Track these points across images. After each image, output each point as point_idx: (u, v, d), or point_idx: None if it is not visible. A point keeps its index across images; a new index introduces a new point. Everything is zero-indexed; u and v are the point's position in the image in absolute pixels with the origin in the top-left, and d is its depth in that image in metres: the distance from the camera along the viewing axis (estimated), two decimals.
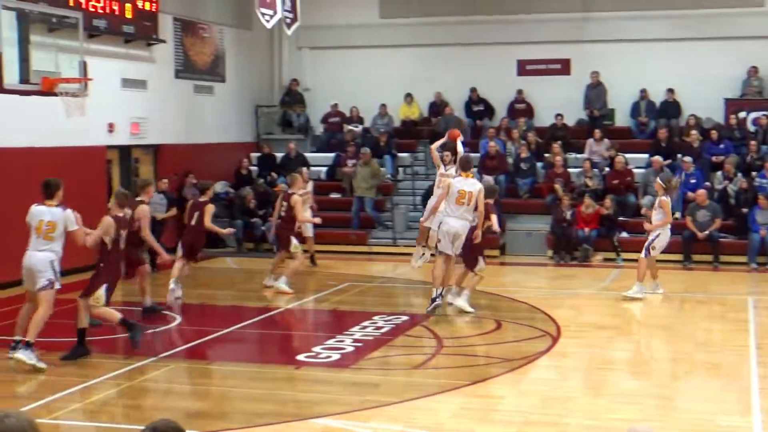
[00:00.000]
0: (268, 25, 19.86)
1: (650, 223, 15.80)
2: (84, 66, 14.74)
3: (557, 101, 24.25)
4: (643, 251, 15.56)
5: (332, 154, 24.60)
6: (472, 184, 14.00)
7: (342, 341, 12.58)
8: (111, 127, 19.80)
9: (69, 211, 11.16)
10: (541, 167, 22.83)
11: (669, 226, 15.71)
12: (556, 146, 22.45)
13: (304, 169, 17.78)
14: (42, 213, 11.18)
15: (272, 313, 14.83)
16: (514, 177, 22.66)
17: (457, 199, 13.86)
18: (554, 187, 21.53)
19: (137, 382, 10.77)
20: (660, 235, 15.52)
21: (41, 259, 11.10)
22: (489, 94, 25.04)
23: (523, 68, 25.12)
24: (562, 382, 10.90)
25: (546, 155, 22.84)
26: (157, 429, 3.82)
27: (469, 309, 14.30)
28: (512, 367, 11.20)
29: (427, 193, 21.97)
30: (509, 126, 24.09)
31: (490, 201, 14.64)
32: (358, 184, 22.67)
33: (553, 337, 12.85)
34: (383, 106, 25.14)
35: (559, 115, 23.84)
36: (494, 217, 14.59)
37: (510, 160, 23.03)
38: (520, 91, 24.80)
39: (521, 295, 16.00)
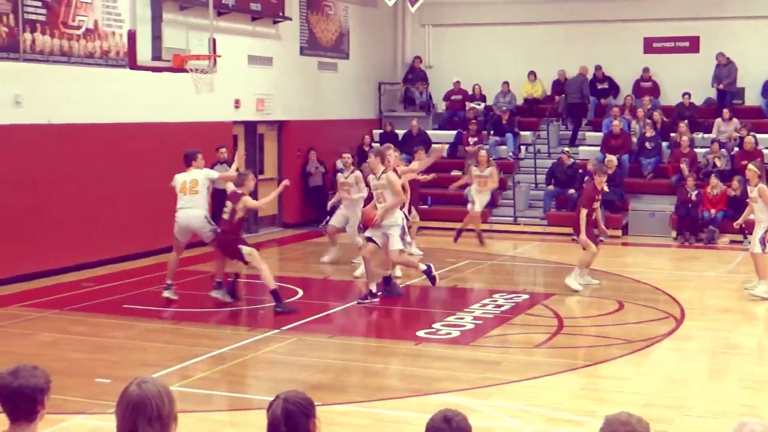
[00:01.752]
0: (390, 3, 19.95)
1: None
2: (213, 43, 15.04)
3: (684, 79, 23.74)
4: (757, 245, 14.01)
5: (454, 132, 24.58)
6: None
7: (462, 318, 12.63)
8: (237, 103, 20.19)
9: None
10: (666, 147, 22.41)
11: None
12: (683, 125, 22.00)
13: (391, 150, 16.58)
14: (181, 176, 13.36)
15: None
16: (638, 156, 22.30)
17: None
18: (680, 167, 21.11)
19: (261, 353, 11.01)
20: None
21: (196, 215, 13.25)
22: (614, 71, 24.66)
23: (650, 46, 24.66)
24: (685, 365, 10.74)
25: (672, 135, 22.41)
26: (287, 400, 3.92)
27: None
28: (634, 349, 11.09)
29: (550, 172, 21.84)
30: (634, 104, 23.69)
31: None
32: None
33: (677, 319, 12.66)
34: (506, 83, 24.99)
35: (686, 93, 23.34)
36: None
37: (634, 139, 22.66)
38: (646, 69, 24.35)
39: (644, 276, 15.78)
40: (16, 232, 14.90)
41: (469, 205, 19.23)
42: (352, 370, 10.46)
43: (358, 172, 16.61)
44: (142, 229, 17.18)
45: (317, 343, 11.66)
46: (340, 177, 16.90)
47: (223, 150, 18.19)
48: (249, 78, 20.50)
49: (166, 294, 13.49)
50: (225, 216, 13.22)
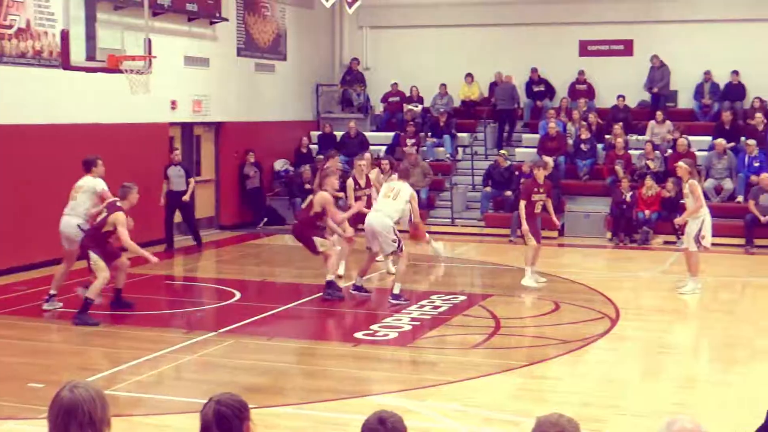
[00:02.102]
0: (328, 4, 19.94)
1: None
2: (148, 44, 14.90)
3: (619, 82, 24.01)
4: (692, 243, 14.44)
5: (392, 134, 24.60)
6: None
7: (399, 320, 12.65)
8: (174, 105, 20.03)
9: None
10: (601, 149, 22.65)
11: (707, 210, 14.57)
12: (618, 127, 22.26)
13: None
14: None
15: None
16: (574, 158, 22.52)
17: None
18: (615, 168, 21.36)
19: (197, 356, 10.92)
20: (704, 222, 14.43)
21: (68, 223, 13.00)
22: (550, 74, 24.87)
23: (585, 49, 24.91)
24: (620, 365, 10.87)
25: (607, 136, 22.65)
26: (220, 402, 3.89)
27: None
28: (570, 349, 11.19)
29: (487, 174, 21.97)
30: (570, 107, 23.92)
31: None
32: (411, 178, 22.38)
33: (612, 319, 12.80)
34: (443, 85, 25.08)
35: (620, 96, 23.61)
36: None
37: (570, 141, 22.88)
38: (581, 72, 24.59)
39: (580, 277, 15.94)
40: None
41: None
42: (290, 373, 10.43)
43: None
44: None
45: (255, 345, 11.58)
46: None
47: (177, 152, 18.09)
48: (185, 79, 20.34)
49: (46, 306, 12.96)
50: (97, 221, 12.66)
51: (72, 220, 13.07)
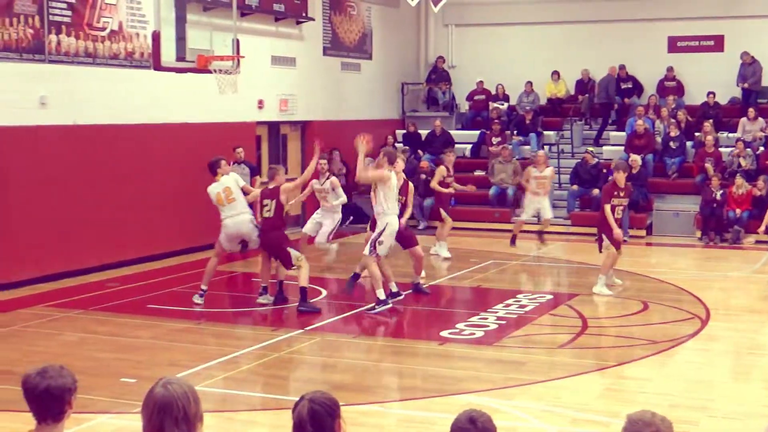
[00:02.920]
0: (413, 3, 19.95)
1: None
2: (236, 44, 15.08)
3: (709, 79, 23.62)
4: None
5: (477, 132, 24.55)
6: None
7: (485, 319, 12.61)
8: (261, 104, 20.25)
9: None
10: (690, 146, 22.30)
11: None
12: (707, 125, 21.89)
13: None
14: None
15: (410, 290, 14.90)
16: (662, 156, 22.20)
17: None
18: (705, 166, 21.01)
19: (285, 353, 11.03)
20: None
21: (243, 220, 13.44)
22: (638, 71, 24.56)
23: (674, 45, 24.55)
24: (710, 366, 10.69)
25: (696, 134, 22.30)
26: (314, 400, 3.93)
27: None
28: (658, 350, 11.04)
29: (574, 172, 21.77)
30: (658, 104, 23.59)
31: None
32: (499, 174, 22.37)
33: (702, 319, 12.60)
34: (529, 83, 24.94)
35: (711, 92, 23.21)
36: None
37: (659, 139, 22.56)
38: (670, 69, 24.23)
39: (669, 277, 15.72)
40: (41, 233, 14.99)
41: (518, 211, 19.36)
42: (376, 371, 10.47)
43: (333, 178, 16.51)
44: (165, 229, 17.27)
45: (341, 343, 11.67)
46: (315, 184, 16.19)
47: (240, 150, 18.13)
48: (272, 78, 20.55)
49: (196, 300, 13.36)
50: (267, 214, 13.04)
51: (245, 217, 13.47)
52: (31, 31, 14.73)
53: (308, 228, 16.66)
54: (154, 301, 13.69)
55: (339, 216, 16.48)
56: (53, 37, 15.13)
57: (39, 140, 14.97)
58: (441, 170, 17.68)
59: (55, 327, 12.11)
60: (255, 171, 18.77)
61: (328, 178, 16.29)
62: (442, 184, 17.63)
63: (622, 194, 14.57)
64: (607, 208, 14.33)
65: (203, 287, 13.38)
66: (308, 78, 21.81)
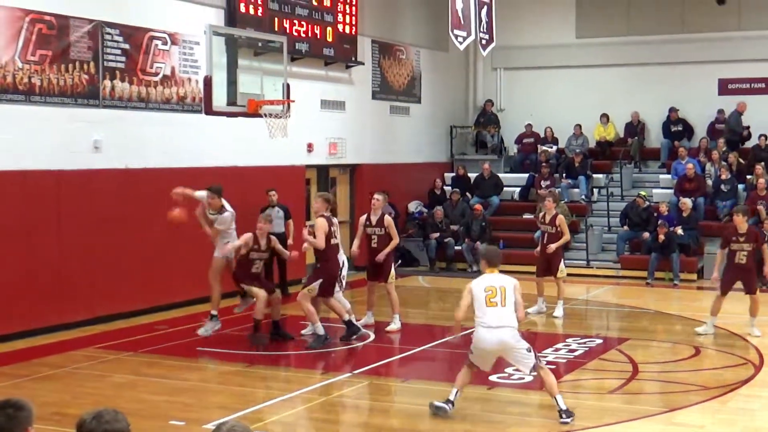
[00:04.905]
0: (461, 47, 20.03)
1: None
2: (287, 88, 15.24)
3: (761, 121, 23.42)
4: None
5: (526, 175, 24.52)
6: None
7: None
8: (310, 147, 20.39)
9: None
10: (742, 189, 22.09)
11: None
12: (759, 167, 21.68)
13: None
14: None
15: (464, 333, 14.81)
16: (713, 199, 22.01)
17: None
18: (757, 209, 20.78)
19: (333, 396, 11.03)
20: None
21: None
22: (688, 113, 24.43)
23: (725, 87, 24.41)
24: (764, 412, 10.51)
25: (748, 177, 22.09)
26: None
27: None
28: (711, 396, 10.88)
29: (624, 214, 21.61)
30: (709, 147, 23.42)
31: None
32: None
33: (755, 365, 12.41)
34: (578, 126, 24.90)
35: (762, 135, 23.01)
36: None
37: (710, 182, 22.38)
38: (720, 111, 24.08)
39: (721, 322, 15.50)
40: (93, 274, 15.15)
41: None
42: (425, 415, 10.40)
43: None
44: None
45: (389, 387, 11.64)
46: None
47: (273, 193, 17.91)
48: (322, 122, 20.70)
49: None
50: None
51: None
52: (86, 76, 15.00)
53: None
54: (203, 343, 13.75)
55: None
56: (107, 83, 15.39)
57: (92, 183, 15.18)
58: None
59: (105, 369, 12.20)
60: (289, 215, 18.23)
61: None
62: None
63: (741, 239, 14.29)
64: (720, 252, 14.41)
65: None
66: (357, 121, 21.95)
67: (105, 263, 15.33)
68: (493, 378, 11.69)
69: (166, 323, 15.36)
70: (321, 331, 13.47)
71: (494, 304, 9.75)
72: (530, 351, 9.91)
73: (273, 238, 14.24)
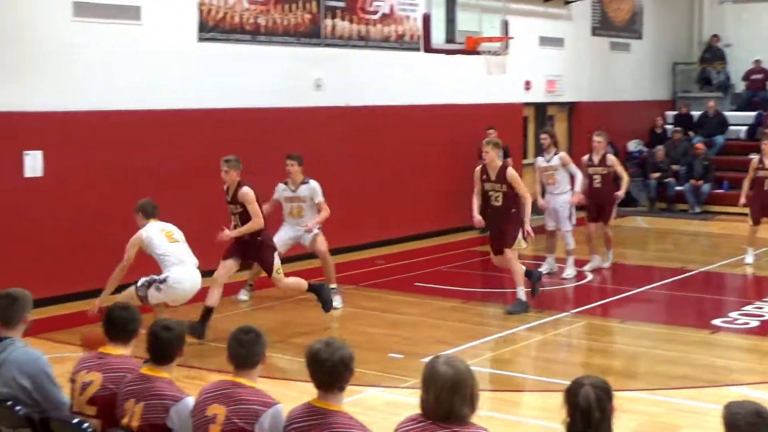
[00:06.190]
0: None
1: None
2: (505, 25, 15.09)
3: None
4: None
5: (753, 113, 23.46)
6: None
7: (761, 308, 12.06)
8: (528, 85, 20.17)
9: None
10: None
11: None
12: None
13: None
14: None
15: (685, 275, 14.45)
16: None
17: None
18: None
19: (549, 335, 10.99)
20: None
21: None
22: None
23: None
24: None
25: None
26: (595, 386, 3.91)
27: None
28: None
29: None
30: None
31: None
32: None
33: None
34: None
35: None
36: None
37: None
38: None
39: None
40: None
41: None
42: (644, 357, 10.24)
43: (563, 153, 14.33)
44: (430, 208, 17.54)
45: (607, 327, 11.51)
46: (540, 162, 14.42)
47: (492, 131, 17.72)
48: (539, 59, 20.41)
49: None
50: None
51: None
52: (308, 16, 15.31)
53: (551, 224, 14.41)
54: (421, 279, 13.94)
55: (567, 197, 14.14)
56: (328, 21, 15.66)
57: (314, 121, 15.54)
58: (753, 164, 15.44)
59: None
60: (507, 152, 18.13)
61: (555, 154, 14.15)
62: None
63: None
64: None
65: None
66: (576, 59, 21.53)
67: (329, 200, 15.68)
68: (716, 322, 11.37)
69: (385, 258, 15.65)
70: (523, 296, 12.09)
71: None
72: None
73: None
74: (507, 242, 11.74)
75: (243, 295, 12.61)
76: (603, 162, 14.33)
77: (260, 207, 10.91)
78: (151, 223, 9.93)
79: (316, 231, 12.16)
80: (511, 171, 11.84)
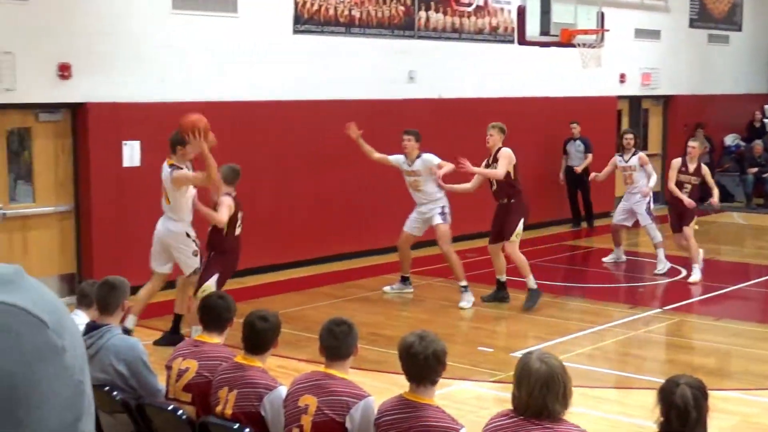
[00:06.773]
0: None
1: None
2: (601, 17, 14.93)
3: None
4: None
5: None
6: None
7: None
8: (623, 78, 19.93)
9: None
10: None
11: None
12: None
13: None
14: None
15: None
16: None
17: None
18: None
19: (642, 332, 10.87)
20: None
21: None
22: None
23: None
24: None
25: None
26: (690, 385, 3.87)
27: None
28: None
29: None
30: None
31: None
32: None
33: None
34: None
35: None
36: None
37: None
38: None
39: None
40: (400, 202, 15.56)
41: None
42: (739, 355, 10.08)
43: (642, 154, 14.49)
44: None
45: (701, 324, 11.35)
46: (617, 161, 14.46)
47: (575, 125, 17.55)
48: (635, 52, 20.14)
49: None
50: None
51: None
52: (402, 8, 15.34)
53: (618, 218, 14.59)
54: (510, 273, 13.83)
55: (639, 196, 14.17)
56: (422, 14, 15.67)
57: (407, 113, 15.56)
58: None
59: (417, 293, 12.59)
60: (589, 148, 17.72)
61: (634, 154, 14.29)
62: None
63: None
64: None
65: None
66: (673, 51, 21.19)
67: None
68: None
69: (475, 252, 15.60)
70: (533, 285, 11.96)
71: None
72: None
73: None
74: (506, 235, 11.82)
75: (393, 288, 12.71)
76: (698, 171, 13.75)
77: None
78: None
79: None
80: (504, 149, 12.00)
